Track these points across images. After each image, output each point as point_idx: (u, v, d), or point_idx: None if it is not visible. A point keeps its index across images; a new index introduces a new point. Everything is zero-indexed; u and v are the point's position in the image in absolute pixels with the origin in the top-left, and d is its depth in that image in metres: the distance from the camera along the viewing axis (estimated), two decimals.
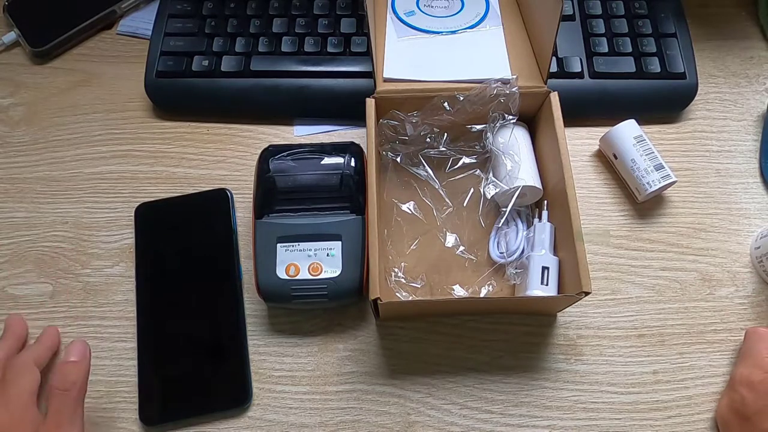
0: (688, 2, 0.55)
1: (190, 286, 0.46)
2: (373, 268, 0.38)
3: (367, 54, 0.52)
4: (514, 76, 0.45)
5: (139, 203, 0.49)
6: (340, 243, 0.43)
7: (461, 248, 0.47)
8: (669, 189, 0.49)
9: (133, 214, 0.48)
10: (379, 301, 0.37)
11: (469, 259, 0.47)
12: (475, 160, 0.49)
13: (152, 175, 0.51)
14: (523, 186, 0.44)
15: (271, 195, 0.44)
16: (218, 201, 0.48)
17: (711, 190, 0.50)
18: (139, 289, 0.46)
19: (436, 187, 0.49)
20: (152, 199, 0.48)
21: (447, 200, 0.48)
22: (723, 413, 0.42)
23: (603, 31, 0.53)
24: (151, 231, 0.48)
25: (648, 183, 0.47)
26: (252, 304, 0.46)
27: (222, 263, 0.46)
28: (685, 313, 0.46)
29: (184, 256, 0.47)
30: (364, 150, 0.47)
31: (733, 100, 0.54)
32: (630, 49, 0.52)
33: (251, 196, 0.45)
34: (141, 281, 0.46)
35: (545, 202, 0.45)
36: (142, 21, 0.57)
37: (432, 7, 0.52)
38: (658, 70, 0.51)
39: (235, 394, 0.43)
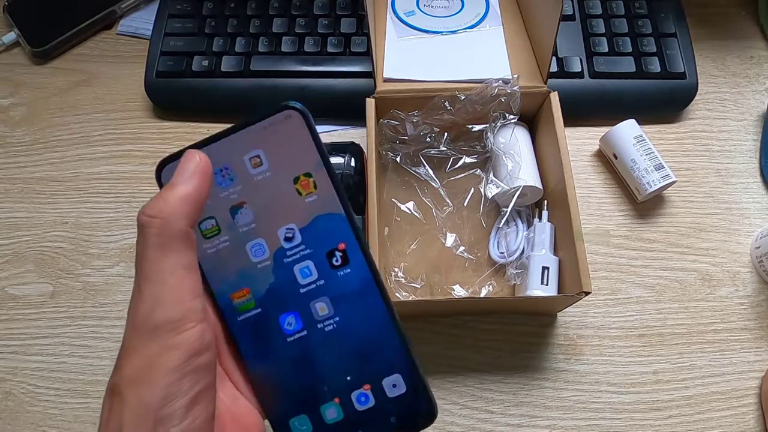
0: (688, 2, 0.55)
1: None
2: None
3: (367, 54, 0.52)
4: (515, 76, 0.45)
5: (138, 202, 0.49)
6: None
7: (461, 248, 0.47)
8: (669, 189, 0.49)
9: (131, 214, 0.48)
10: None
11: (469, 259, 0.47)
12: (475, 160, 0.49)
13: (152, 175, 0.50)
14: (523, 186, 0.44)
15: None
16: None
17: (711, 190, 0.50)
18: None
19: (437, 186, 0.49)
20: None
21: (447, 200, 0.48)
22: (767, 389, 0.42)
23: (603, 31, 0.53)
24: None
25: (648, 183, 0.47)
26: None
27: None
28: (685, 313, 0.46)
29: None
30: (364, 150, 0.47)
31: (733, 100, 0.54)
32: (630, 49, 0.52)
33: None
34: None
35: (545, 202, 0.45)
36: (142, 21, 0.57)
37: (432, 7, 0.52)
38: (658, 69, 0.51)
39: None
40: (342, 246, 0.25)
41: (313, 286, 0.25)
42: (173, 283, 0.22)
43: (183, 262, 0.22)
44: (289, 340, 0.25)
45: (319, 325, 0.25)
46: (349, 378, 0.25)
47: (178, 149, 0.24)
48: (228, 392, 0.25)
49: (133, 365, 0.21)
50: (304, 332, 0.25)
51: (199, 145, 0.24)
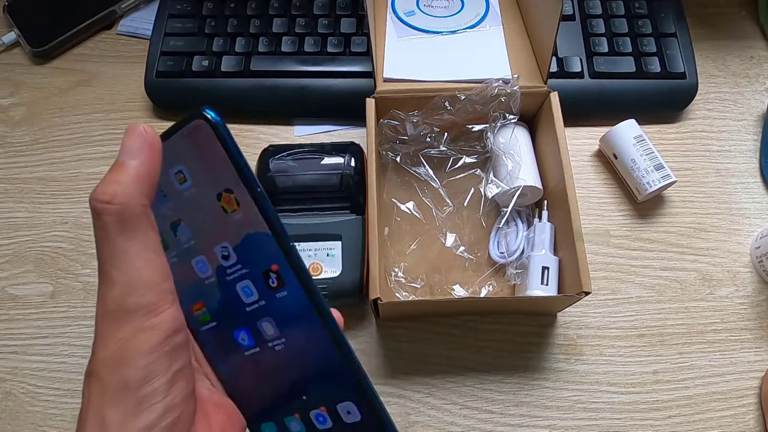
0: (688, 2, 0.55)
1: None
2: (373, 268, 0.38)
3: (367, 54, 0.52)
4: (515, 76, 0.45)
5: None
6: (340, 243, 0.43)
7: (461, 248, 0.47)
8: (669, 189, 0.49)
9: None
10: (379, 301, 0.37)
11: (469, 259, 0.47)
12: (475, 160, 0.49)
13: None
14: (523, 186, 0.44)
15: (271, 195, 0.44)
16: None
17: (711, 190, 0.50)
18: None
19: (437, 186, 0.49)
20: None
21: (447, 200, 0.48)
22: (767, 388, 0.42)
23: (603, 31, 0.53)
24: None
25: (648, 183, 0.47)
26: None
27: None
28: (685, 313, 0.46)
29: None
30: (364, 150, 0.47)
31: (733, 100, 0.54)
32: (630, 49, 0.52)
33: None
34: None
35: (545, 202, 0.45)
36: (142, 21, 0.57)
37: (432, 7, 0.52)
38: (658, 69, 0.51)
39: None
40: (275, 267, 0.23)
41: (256, 305, 0.24)
42: (143, 267, 0.21)
43: (149, 244, 0.21)
44: (245, 354, 0.25)
45: (270, 344, 0.25)
46: (305, 397, 0.25)
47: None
48: (206, 385, 0.25)
49: (107, 350, 0.21)
50: (257, 349, 0.25)
51: None
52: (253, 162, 0.46)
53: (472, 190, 0.48)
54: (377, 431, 0.24)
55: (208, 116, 0.22)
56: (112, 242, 0.21)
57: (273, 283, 0.24)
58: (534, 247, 0.44)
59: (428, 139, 0.48)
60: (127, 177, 0.21)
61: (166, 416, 0.21)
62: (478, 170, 0.49)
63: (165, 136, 0.23)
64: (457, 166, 0.49)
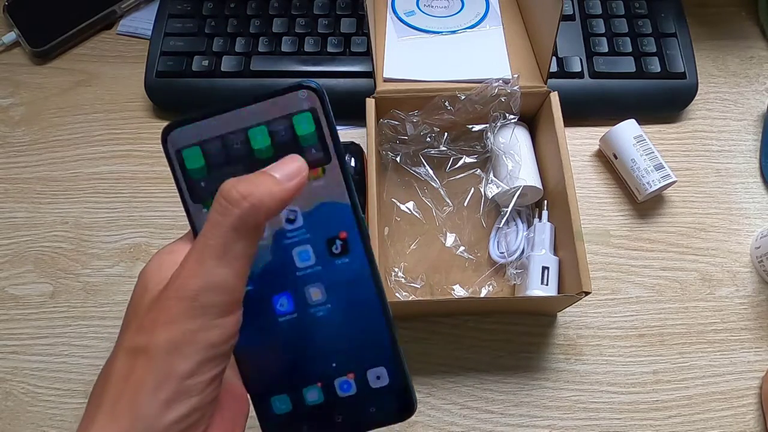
0: (688, 2, 0.55)
1: None
2: None
3: (367, 54, 0.52)
4: (516, 76, 0.45)
5: (138, 202, 0.49)
6: None
7: (461, 248, 0.47)
8: (669, 189, 0.49)
9: (132, 214, 0.48)
10: None
11: (469, 259, 0.47)
12: (475, 160, 0.49)
13: (152, 175, 0.51)
14: (523, 186, 0.44)
15: None
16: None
17: (711, 190, 0.50)
18: None
19: (437, 186, 0.49)
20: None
21: (447, 200, 0.48)
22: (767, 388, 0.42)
23: (603, 31, 0.53)
24: None
25: (648, 183, 0.47)
26: None
27: None
28: (685, 313, 0.46)
29: None
30: (364, 150, 0.47)
31: (733, 100, 0.54)
32: (630, 49, 0.52)
33: None
34: None
35: (545, 202, 0.45)
36: (142, 21, 0.57)
37: (432, 7, 0.52)
38: (658, 69, 0.51)
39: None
40: (343, 235, 0.25)
41: (310, 270, 0.25)
42: (237, 269, 0.22)
43: (251, 251, 0.22)
44: (280, 320, 0.25)
45: (311, 310, 0.25)
46: (334, 365, 0.26)
47: (187, 116, 0.24)
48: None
49: (170, 335, 0.21)
50: (295, 315, 0.25)
51: (210, 113, 0.24)
52: None
53: (472, 190, 0.48)
54: (400, 395, 0.26)
55: (314, 86, 0.23)
56: (226, 234, 0.21)
57: (336, 249, 0.25)
58: (534, 247, 0.44)
59: (428, 139, 0.48)
60: (268, 189, 0.22)
61: (195, 413, 0.21)
62: (478, 170, 0.49)
63: (256, 99, 0.23)
64: (457, 166, 0.49)
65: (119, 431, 0.20)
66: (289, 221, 0.25)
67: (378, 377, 0.26)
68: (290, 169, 0.23)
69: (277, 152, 0.24)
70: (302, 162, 0.23)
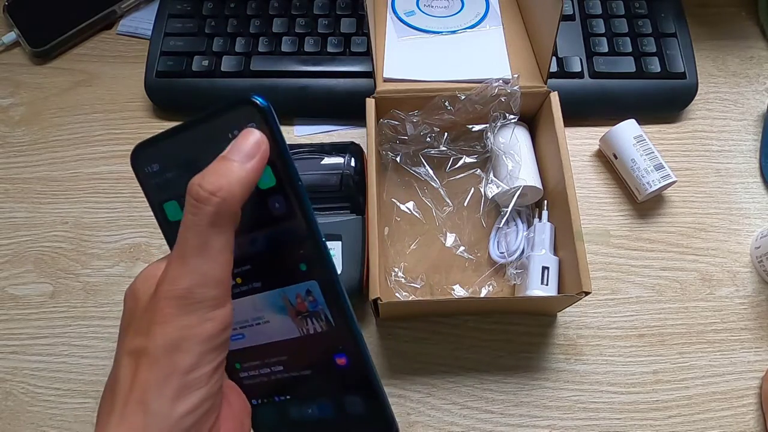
0: (688, 2, 0.55)
1: None
2: (373, 268, 0.38)
3: (367, 54, 0.52)
4: (516, 75, 0.45)
5: (138, 202, 0.49)
6: (340, 243, 0.43)
7: (461, 248, 0.47)
8: (669, 189, 0.49)
9: (132, 214, 0.48)
10: (379, 301, 0.37)
11: (469, 259, 0.47)
12: (475, 160, 0.49)
13: None
14: (523, 186, 0.44)
15: None
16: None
17: (711, 190, 0.50)
18: None
19: (437, 186, 0.49)
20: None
21: (447, 200, 0.48)
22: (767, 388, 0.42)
23: (603, 31, 0.53)
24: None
25: (648, 183, 0.47)
26: None
27: None
28: (685, 313, 0.46)
29: None
30: (364, 150, 0.47)
31: (733, 100, 0.54)
32: (630, 49, 0.52)
33: None
34: None
35: (545, 202, 0.45)
36: (142, 21, 0.57)
37: (432, 7, 0.52)
38: (658, 69, 0.51)
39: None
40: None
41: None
42: (221, 262, 0.22)
43: (230, 241, 0.23)
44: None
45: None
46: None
47: (151, 136, 0.24)
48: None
49: (166, 334, 0.21)
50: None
51: (168, 134, 0.24)
52: None
53: (472, 190, 0.48)
54: (378, 414, 0.25)
55: (258, 103, 0.22)
56: (203, 232, 0.22)
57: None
58: (534, 247, 0.44)
59: (428, 139, 0.48)
60: (233, 176, 0.22)
61: (204, 403, 0.22)
62: (478, 170, 0.49)
63: (204, 119, 0.23)
64: (457, 166, 0.49)
65: (134, 430, 0.21)
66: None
67: (352, 401, 0.25)
68: (248, 147, 0.22)
69: None
70: (257, 135, 0.22)
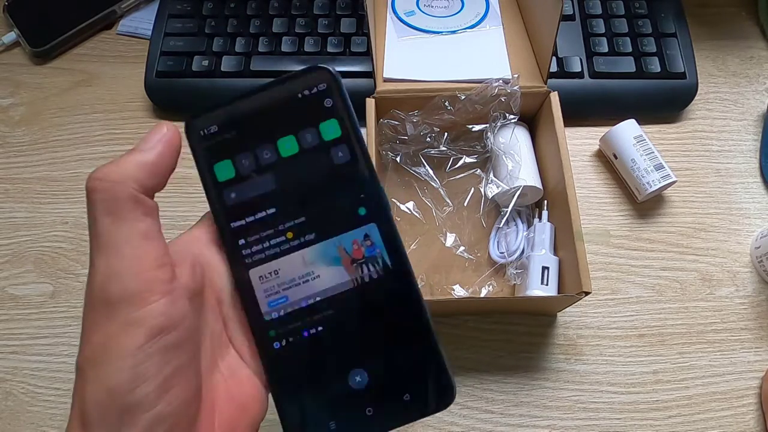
0: (688, 2, 0.55)
1: None
2: None
3: (367, 54, 0.52)
4: (516, 75, 0.45)
5: None
6: None
7: (461, 248, 0.47)
8: (669, 189, 0.49)
9: None
10: None
11: (469, 259, 0.47)
12: (475, 160, 0.49)
13: None
14: (523, 186, 0.44)
15: None
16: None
17: (711, 190, 0.50)
18: None
19: (437, 186, 0.49)
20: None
21: (447, 200, 0.48)
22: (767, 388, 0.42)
23: (603, 31, 0.53)
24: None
25: (648, 183, 0.47)
26: None
27: None
28: (685, 313, 0.46)
29: None
30: None
31: (733, 100, 0.54)
32: (630, 49, 0.52)
33: None
34: None
35: (545, 202, 0.45)
36: (142, 21, 0.57)
37: (432, 7, 0.52)
38: (658, 69, 0.51)
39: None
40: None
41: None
42: (129, 253, 0.19)
43: (139, 229, 0.20)
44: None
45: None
46: (359, 350, 0.24)
47: (207, 105, 0.24)
48: (229, 363, 0.23)
49: (91, 343, 0.19)
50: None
51: (230, 100, 0.24)
52: None
53: (472, 190, 0.48)
54: (436, 378, 0.25)
55: (328, 68, 0.25)
56: (99, 223, 0.20)
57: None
58: (534, 247, 0.44)
59: (428, 139, 0.48)
60: (129, 162, 0.21)
61: (158, 427, 0.19)
62: (478, 170, 0.49)
63: (276, 83, 0.24)
64: (457, 166, 0.49)
65: None
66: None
67: (413, 362, 0.24)
68: (154, 137, 0.22)
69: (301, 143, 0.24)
70: (167, 126, 0.22)
